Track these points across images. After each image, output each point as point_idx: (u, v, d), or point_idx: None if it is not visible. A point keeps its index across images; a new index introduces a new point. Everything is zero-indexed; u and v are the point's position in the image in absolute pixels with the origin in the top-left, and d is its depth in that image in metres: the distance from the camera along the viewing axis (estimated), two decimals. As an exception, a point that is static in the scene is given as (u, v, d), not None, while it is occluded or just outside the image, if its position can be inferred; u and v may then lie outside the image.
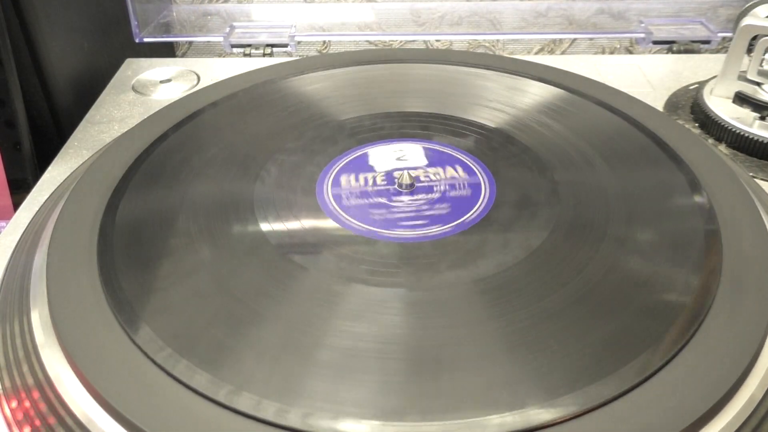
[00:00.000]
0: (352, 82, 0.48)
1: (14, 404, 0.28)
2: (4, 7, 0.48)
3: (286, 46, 0.62)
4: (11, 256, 0.36)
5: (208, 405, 0.25)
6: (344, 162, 0.39)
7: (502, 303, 0.29)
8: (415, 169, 0.38)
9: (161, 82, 0.56)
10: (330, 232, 0.34)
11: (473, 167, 0.39)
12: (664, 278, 0.31)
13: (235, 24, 0.66)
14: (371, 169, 0.39)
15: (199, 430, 0.24)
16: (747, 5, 0.46)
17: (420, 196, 0.37)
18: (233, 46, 0.62)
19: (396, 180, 0.38)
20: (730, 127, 0.46)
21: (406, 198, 0.37)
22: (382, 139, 0.42)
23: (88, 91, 0.57)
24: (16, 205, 0.42)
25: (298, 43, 0.64)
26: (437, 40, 0.79)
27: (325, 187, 0.38)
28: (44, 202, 0.41)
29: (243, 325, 0.28)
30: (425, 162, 0.38)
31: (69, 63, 0.56)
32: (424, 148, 0.39)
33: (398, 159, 0.39)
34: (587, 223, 0.34)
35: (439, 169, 0.37)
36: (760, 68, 0.47)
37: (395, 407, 0.25)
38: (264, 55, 0.61)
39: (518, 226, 0.34)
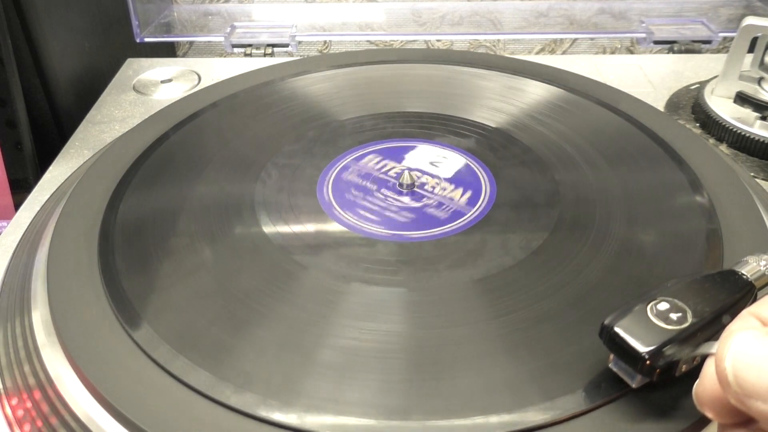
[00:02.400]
0: (353, 82, 0.48)
1: (15, 404, 0.28)
2: (5, 7, 0.48)
3: (287, 46, 0.62)
4: (12, 256, 0.36)
5: (208, 404, 0.25)
6: (381, 147, 0.41)
7: (502, 303, 0.29)
8: (431, 176, 0.38)
9: (162, 82, 0.56)
10: (330, 232, 0.34)
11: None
12: (665, 278, 0.31)
13: (236, 24, 0.66)
14: (400, 160, 0.40)
15: (199, 429, 0.24)
16: None
17: (421, 196, 0.37)
18: (234, 46, 0.62)
19: (397, 180, 0.38)
20: (731, 127, 0.46)
21: (406, 198, 0.37)
22: (382, 139, 0.42)
23: (89, 90, 0.57)
24: (17, 205, 0.42)
25: (299, 43, 0.64)
26: (438, 40, 0.79)
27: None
28: (45, 202, 0.41)
29: (244, 324, 0.29)
30: (448, 176, 0.38)
31: (70, 63, 0.56)
32: (466, 165, 0.39)
33: (431, 163, 0.39)
34: (588, 223, 0.34)
35: (451, 186, 0.37)
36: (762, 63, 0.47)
37: (396, 407, 0.25)
38: (265, 55, 0.61)
39: (518, 226, 0.34)
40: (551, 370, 0.26)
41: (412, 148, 0.41)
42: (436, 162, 0.40)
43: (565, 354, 0.27)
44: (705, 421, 0.25)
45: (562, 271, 0.31)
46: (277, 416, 0.24)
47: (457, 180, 0.38)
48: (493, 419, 0.24)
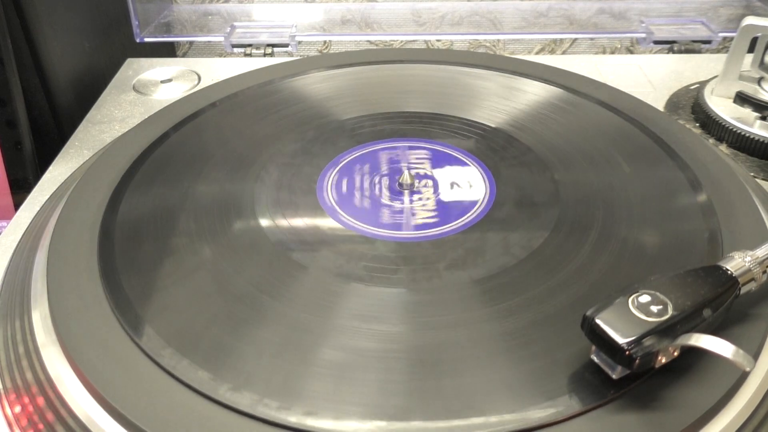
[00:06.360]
0: (353, 82, 0.48)
1: (15, 404, 0.28)
2: (5, 7, 0.48)
3: (286, 45, 0.62)
4: (12, 256, 0.36)
5: (208, 404, 0.25)
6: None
7: (502, 303, 0.29)
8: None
9: (162, 81, 0.56)
10: (330, 232, 0.34)
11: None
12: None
13: (235, 24, 0.66)
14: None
15: (199, 429, 0.24)
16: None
17: (420, 196, 0.37)
18: (234, 45, 0.62)
19: (397, 179, 0.38)
20: (730, 127, 0.46)
21: (406, 197, 0.37)
22: (382, 139, 0.42)
23: (89, 90, 0.57)
24: (17, 205, 0.42)
25: (299, 43, 0.64)
26: (438, 40, 0.79)
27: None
28: (45, 202, 0.41)
29: (244, 324, 0.29)
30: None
31: (70, 63, 0.56)
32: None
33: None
34: (587, 223, 0.34)
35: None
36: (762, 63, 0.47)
37: (395, 408, 0.25)
38: (265, 55, 0.61)
39: (518, 226, 0.34)
40: (551, 370, 0.26)
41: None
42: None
43: (564, 354, 0.27)
44: (705, 420, 0.25)
45: (562, 270, 0.31)
46: (277, 416, 0.24)
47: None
48: (493, 420, 0.24)
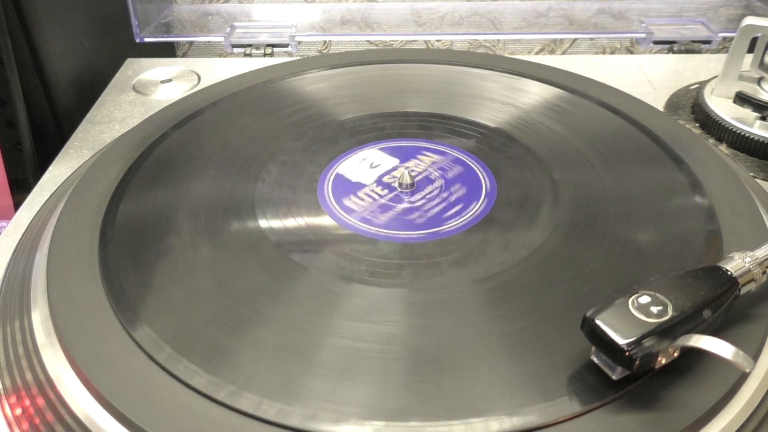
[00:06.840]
0: (353, 82, 0.48)
1: (15, 404, 0.28)
2: (4, 7, 0.48)
3: (286, 46, 0.62)
4: (12, 257, 0.36)
5: (208, 404, 0.25)
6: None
7: (503, 303, 0.29)
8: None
9: (162, 82, 0.56)
10: (331, 232, 0.34)
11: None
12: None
13: (235, 24, 0.66)
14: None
15: (199, 429, 0.24)
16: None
17: (421, 195, 0.37)
18: (234, 46, 0.62)
19: (396, 180, 0.38)
20: (730, 127, 0.46)
21: (406, 198, 0.37)
22: (382, 139, 0.42)
23: (89, 90, 0.57)
24: (17, 205, 0.42)
25: (299, 43, 0.64)
26: (438, 40, 0.79)
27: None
28: (45, 202, 0.41)
29: (244, 324, 0.29)
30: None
31: (70, 63, 0.56)
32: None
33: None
34: (588, 223, 0.34)
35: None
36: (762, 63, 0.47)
37: (396, 408, 0.25)
38: (264, 55, 0.61)
39: (519, 226, 0.34)
40: (551, 370, 0.26)
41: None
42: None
43: (564, 354, 0.27)
44: (705, 420, 0.25)
45: (563, 270, 0.31)
46: (277, 417, 0.24)
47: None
48: (494, 420, 0.24)
